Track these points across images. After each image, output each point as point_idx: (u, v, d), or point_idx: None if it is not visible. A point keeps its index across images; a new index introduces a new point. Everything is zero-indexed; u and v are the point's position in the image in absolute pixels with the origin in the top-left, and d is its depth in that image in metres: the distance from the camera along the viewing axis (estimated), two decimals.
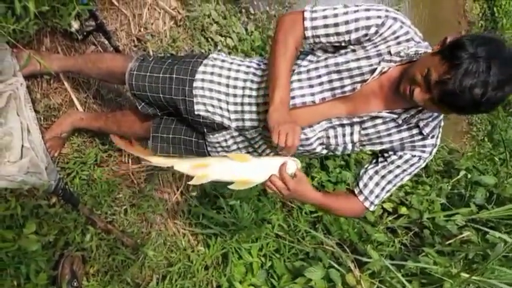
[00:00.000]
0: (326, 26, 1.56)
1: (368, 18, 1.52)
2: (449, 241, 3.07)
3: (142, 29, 2.76)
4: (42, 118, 2.18)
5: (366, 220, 3.29)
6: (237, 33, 3.47)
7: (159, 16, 2.91)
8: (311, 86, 1.64)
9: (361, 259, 2.69)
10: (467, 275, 2.53)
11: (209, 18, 3.28)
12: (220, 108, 1.77)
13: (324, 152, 1.76)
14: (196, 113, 1.79)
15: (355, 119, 1.62)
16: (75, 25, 2.16)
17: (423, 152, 1.67)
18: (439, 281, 2.60)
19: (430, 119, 1.61)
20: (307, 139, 1.69)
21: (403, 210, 3.40)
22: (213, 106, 1.77)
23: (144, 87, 1.85)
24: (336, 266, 2.60)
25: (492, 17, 7.63)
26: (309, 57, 1.68)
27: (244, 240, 2.80)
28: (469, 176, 3.76)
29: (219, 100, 1.77)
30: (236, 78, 1.77)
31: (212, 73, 1.78)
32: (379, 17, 1.51)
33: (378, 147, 1.70)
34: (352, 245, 3.04)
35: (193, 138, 1.91)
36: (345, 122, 1.63)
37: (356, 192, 1.76)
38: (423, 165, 1.72)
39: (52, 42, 2.24)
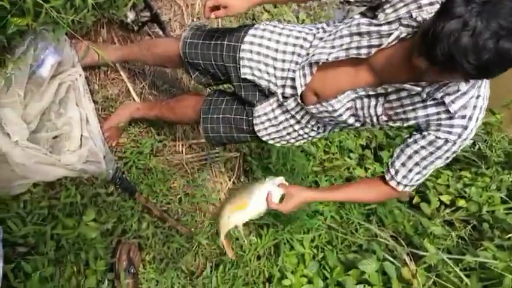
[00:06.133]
0: None
1: None
2: (510, 235, 2.93)
3: (195, 19, 2.77)
4: (100, 108, 2.23)
5: (422, 213, 3.19)
6: (288, 21, 3.43)
7: None
8: (333, 47, 1.58)
9: (416, 252, 2.62)
10: None
11: (260, 7, 3.27)
12: (267, 73, 1.74)
13: (358, 124, 1.69)
14: (242, 76, 1.78)
15: (380, 90, 1.50)
16: (131, 16, 2.20)
17: (449, 133, 1.48)
18: (499, 276, 2.49)
19: (459, 94, 1.42)
20: (335, 110, 1.62)
21: (462, 202, 3.26)
22: (259, 70, 1.75)
23: (196, 54, 1.86)
24: (390, 259, 2.54)
25: None
26: (344, 21, 1.65)
27: (296, 231, 2.77)
28: None
29: (266, 65, 1.73)
30: (286, 43, 1.72)
31: (262, 37, 1.75)
32: None
33: (404, 123, 1.56)
34: (407, 238, 2.95)
35: (244, 117, 1.90)
36: (370, 92, 1.53)
37: (385, 171, 1.71)
38: (456, 150, 1.53)
39: (108, 33, 2.29)
